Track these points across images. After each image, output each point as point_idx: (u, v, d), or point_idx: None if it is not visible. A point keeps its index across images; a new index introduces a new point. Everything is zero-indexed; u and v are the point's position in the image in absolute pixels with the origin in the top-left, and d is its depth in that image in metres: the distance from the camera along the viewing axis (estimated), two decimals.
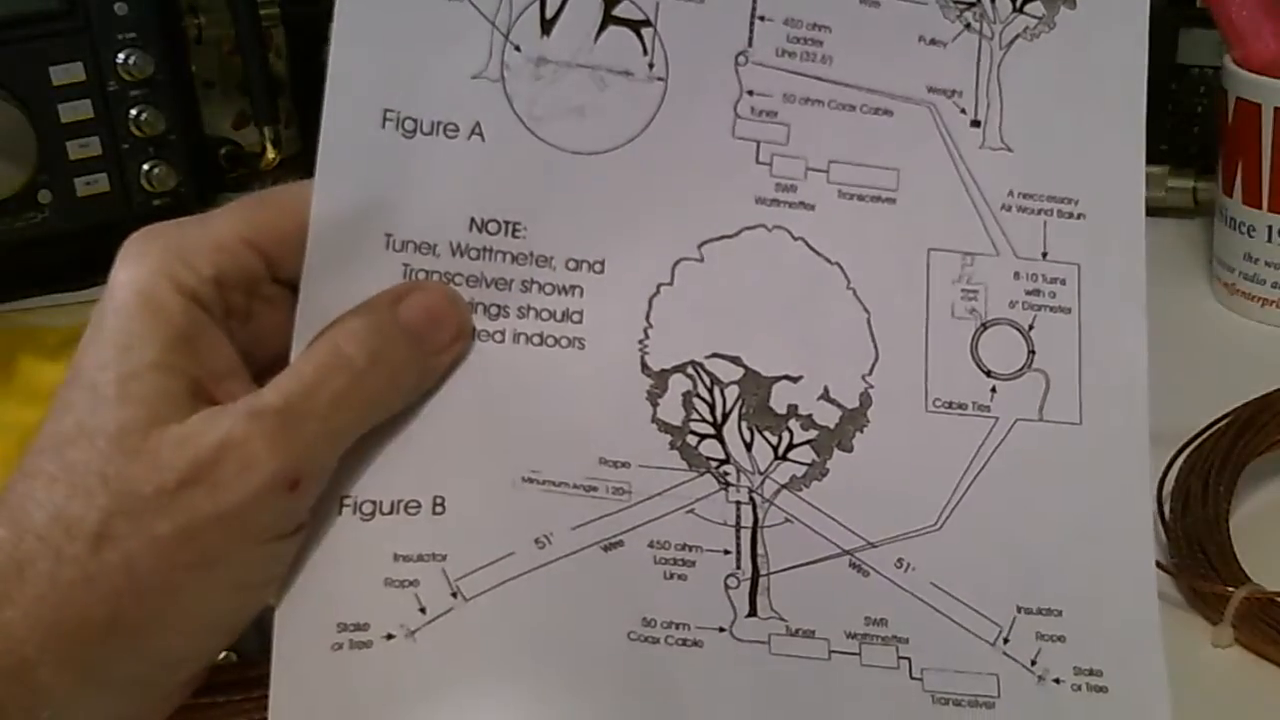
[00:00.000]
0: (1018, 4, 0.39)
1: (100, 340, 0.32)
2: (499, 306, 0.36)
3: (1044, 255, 0.38)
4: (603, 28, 0.37)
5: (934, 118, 0.38)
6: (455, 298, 0.35)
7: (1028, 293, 0.38)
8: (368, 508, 0.34)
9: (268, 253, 0.35)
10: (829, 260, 0.38)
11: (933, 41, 0.39)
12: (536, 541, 0.35)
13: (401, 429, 0.35)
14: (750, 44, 0.38)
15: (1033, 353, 0.38)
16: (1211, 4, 0.64)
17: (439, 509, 0.35)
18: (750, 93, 0.38)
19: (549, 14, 0.37)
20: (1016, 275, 0.38)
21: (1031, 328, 0.38)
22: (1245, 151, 0.63)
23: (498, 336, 0.36)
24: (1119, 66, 0.39)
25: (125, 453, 0.31)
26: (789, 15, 0.38)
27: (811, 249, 0.38)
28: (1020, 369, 0.38)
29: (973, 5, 0.39)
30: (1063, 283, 0.38)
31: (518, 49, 0.36)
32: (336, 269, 0.35)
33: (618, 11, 0.37)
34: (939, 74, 0.38)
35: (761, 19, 0.38)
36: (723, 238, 0.37)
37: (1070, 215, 0.38)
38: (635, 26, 0.37)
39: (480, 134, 0.36)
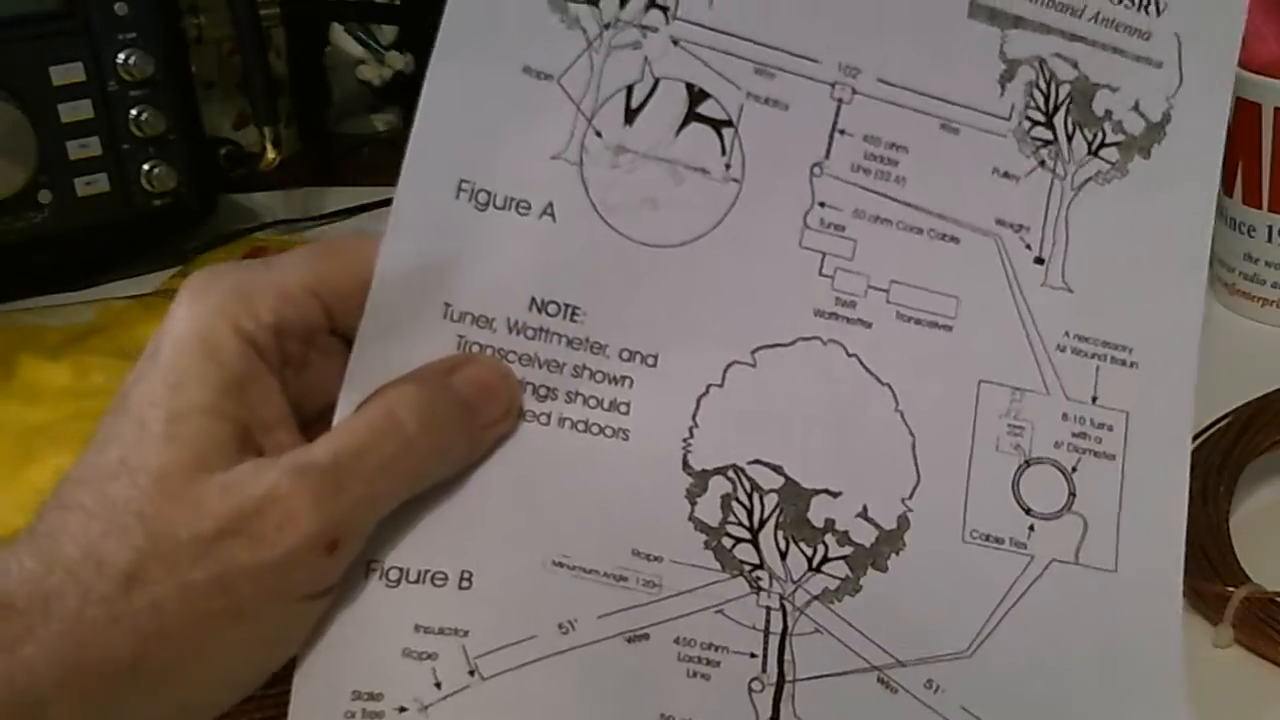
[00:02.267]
0: (1093, 148, 0.39)
1: (153, 375, 0.32)
2: (548, 389, 0.35)
3: (1094, 399, 0.38)
4: (685, 123, 0.37)
5: (999, 250, 0.38)
6: (508, 374, 0.35)
7: (1074, 435, 0.38)
8: (394, 574, 0.34)
9: (329, 304, 0.34)
10: (880, 380, 0.37)
11: (1006, 175, 0.38)
12: (560, 627, 0.35)
13: (437, 499, 0.34)
14: (827, 156, 0.38)
15: (1073, 495, 0.38)
16: None
17: (466, 583, 0.34)
18: (822, 204, 0.37)
19: (635, 103, 0.37)
20: (1065, 416, 0.38)
21: (1075, 470, 0.38)
22: (1245, 151, 0.63)
23: (543, 419, 0.35)
24: (1186, 222, 0.39)
25: (166, 494, 0.30)
26: (869, 132, 0.38)
27: (864, 367, 0.37)
28: (1060, 510, 0.38)
29: (1049, 144, 0.39)
30: (1110, 429, 0.38)
31: (599, 134, 0.36)
32: (391, 331, 0.34)
33: (702, 109, 0.37)
34: (1008, 207, 0.38)
35: (842, 133, 0.38)
36: (777, 345, 0.37)
37: (1124, 363, 0.38)
38: (717, 126, 0.37)
39: (552, 215, 0.36)
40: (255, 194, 0.82)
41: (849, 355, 0.37)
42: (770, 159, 0.37)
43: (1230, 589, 0.45)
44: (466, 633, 0.34)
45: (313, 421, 0.34)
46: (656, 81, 0.37)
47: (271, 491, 0.30)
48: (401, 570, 0.34)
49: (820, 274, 0.37)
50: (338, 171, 0.88)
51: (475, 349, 0.35)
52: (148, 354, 0.32)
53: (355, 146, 0.93)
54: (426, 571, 0.34)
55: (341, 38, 0.90)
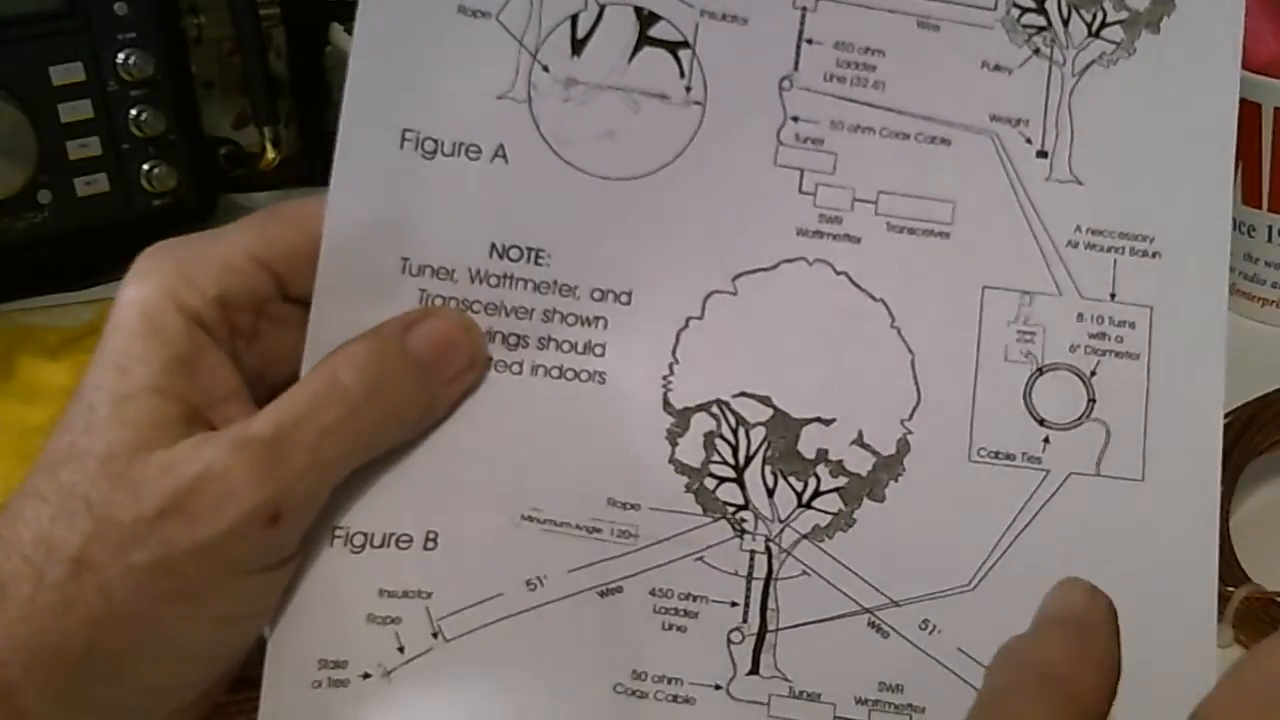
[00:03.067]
0: (1094, 29, 0.36)
1: (102, 360, 0.32)
2: (518, 336, 0.35)
3: (1112, 296, 0.35)
4: (637, 48, 0.35)
5: (996, 147, 0.36)
6: (470, 325, 0.34)
7: (1091, 336, 0.35)
8: (359, 540, 0.33)
9: (278, 270, 0.34)
10: (873, 297, 0.36)
11: (997, 67, 0.36)
12: (528, 583, 0.34)
13: (402, 459, 0.34)
14: (796, 68, 0.36)
15: (1093, 401, 0.35)
16: None
17: (430, 544, 0.33)
18: (795, 119, 0.36)
19: (581, 33, 0.35)
20: (1080, 317, 0.35)
21: (1094, 374, 0.35)
22: (1245, 151, 0.63)
23: (515, 368, 0.34)
24: (1207, 96, 0.36)
25: (109, 477, 0.30)
26: (839, 39, 0.36)
27: (855, 284, 0.36)
28: (1078, 419, 0.35)
29: (1043, 30, 0.36)
30: (1132, 326, 0.35)
31: (546, 69, 0.35)
32: (349, 292, 0.34)
33: (653, 32, 0.36)
34: (1003, 101, 0.36)
35: (809, 42, 0.36)
36: (759, 270, 0.36)
37: (1144, 254, 0.35)
38: (672, 48, 0.36)
39: (504, 156, 0.35)
40: (255, 194, 0.82)
41: (837, 273, 0.36)
42: (733, 77, 0.36)
43: (1230, 589, 0.45)
44: (430, 594, 0.33)
45: (278, 392, 0.33)
46: (602, 8, 0.35)
47: (209, 468, 0.30)
48: (366, 535, 0.33)
49: (800, 191, 0.36)
50: None
51: (439, 302, 0.34)
52: (100, 340, 0.32)
53: None
54: (391, 535, 0.33)
55: (341, 38, 0.90)
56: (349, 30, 0.89)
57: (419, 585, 0.33)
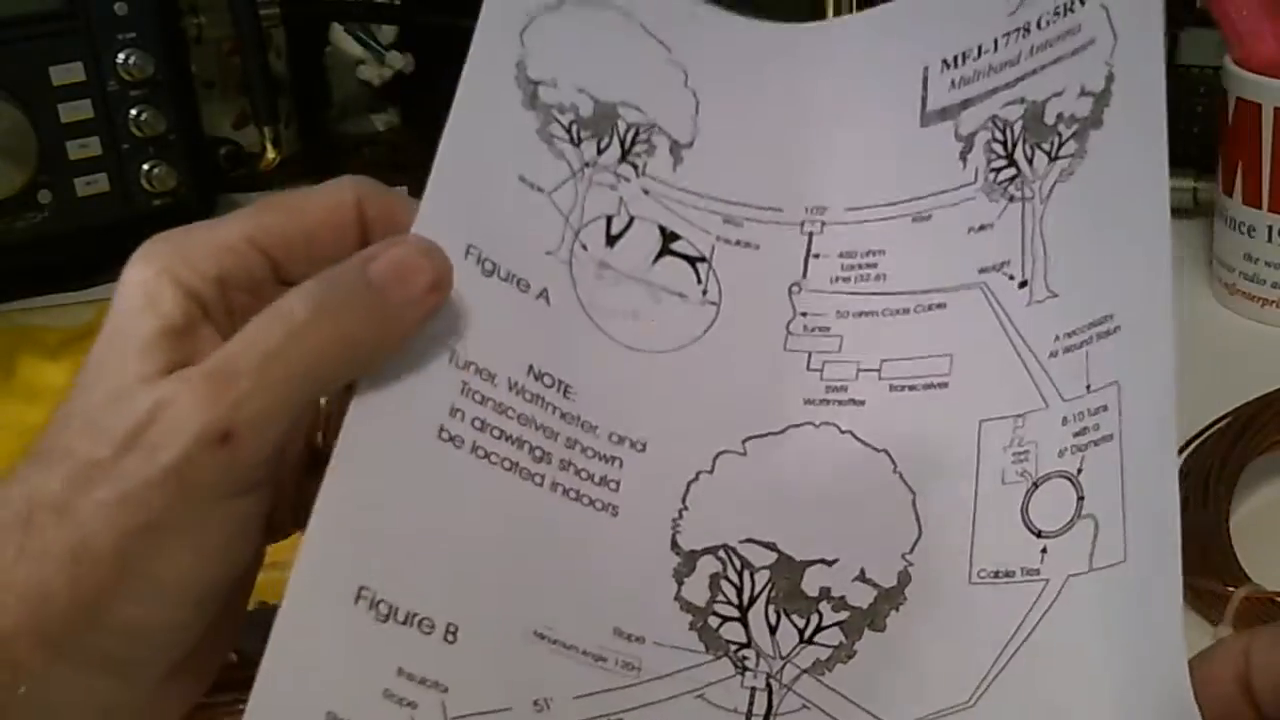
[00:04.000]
0: (1053, 154, 0.38)
1: (102, 337, 0.33)
2: (544, 451, 0.35)
3: (1088, 388, 0.35)
4: (660, 256, 0.38)
5: (986, 296, 0.37)
6: (433, 249, 0.34)
7: (1075, 435, 0.35)
8: (384, 609, 0.33)
9: (274, 254, 0.35)
10: (875, 449, 0.37)
11: (982, 228, 0.38)
12: (536, 704, 0.34)
13: (433, 537, 0.34)
14: (804, 276, 0.38)
15: (1081, 499, 0.34)
16: (1211, 4, 0.64)
17: (450, 638, 0.33)
18: (803, 314, 0.38)
19: (614, 230, 0.38)
20: (1064, 420, 0.35)
21: (1080, 471, 0.35)
22: (1245, 151, 0.63)
23: (537, 479, 0.35)
24: (1143, 167, 0.36)
25: (83, 427, 0.32)
26: (844, 250, 0.38)
27: (859, 440, 0.37)
28: (1070, 520, 0.34)
29: (1015, 178, 0.38)
30: (1105, 409, 0.35)
31: (585, 247, 0.37)
32: (395, 375, 0.34)
33: (675, 247, 0.38)
34: (989, 253, 0.38)
35: (816, 256, 0.38)
36: (768, 434, 0.37)
37: (1108, 333, 0.35)
38: (691, 260, 0.38)
39: (546, 299, 0.37)
40: (255, 194, 0.82)
41: (842, 433, 0.37)
42: (746, 288, 0.38)
43: (1230, 589, 0.45)
44: (447, 689, 0.33)
45: None
46: (631, 219, 0.38)
47: (159, 399, 0.31)
48: (391, 607, 0.33)
49: (808, 369, 0.38)
50: (338, 171, 0.87)
51: (478, 399, 0.35)
52: (104, 320, 0.34)
53: (355, 146, 0.93)
54: (415, 615, 0.33)
55: (341, 38, 0.90)
56: (349, 30, 0.89)
57: (437, 677, 0.33)
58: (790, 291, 0.38)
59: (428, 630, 0.33)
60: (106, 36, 0.70)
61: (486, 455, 0.35)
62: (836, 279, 0.38)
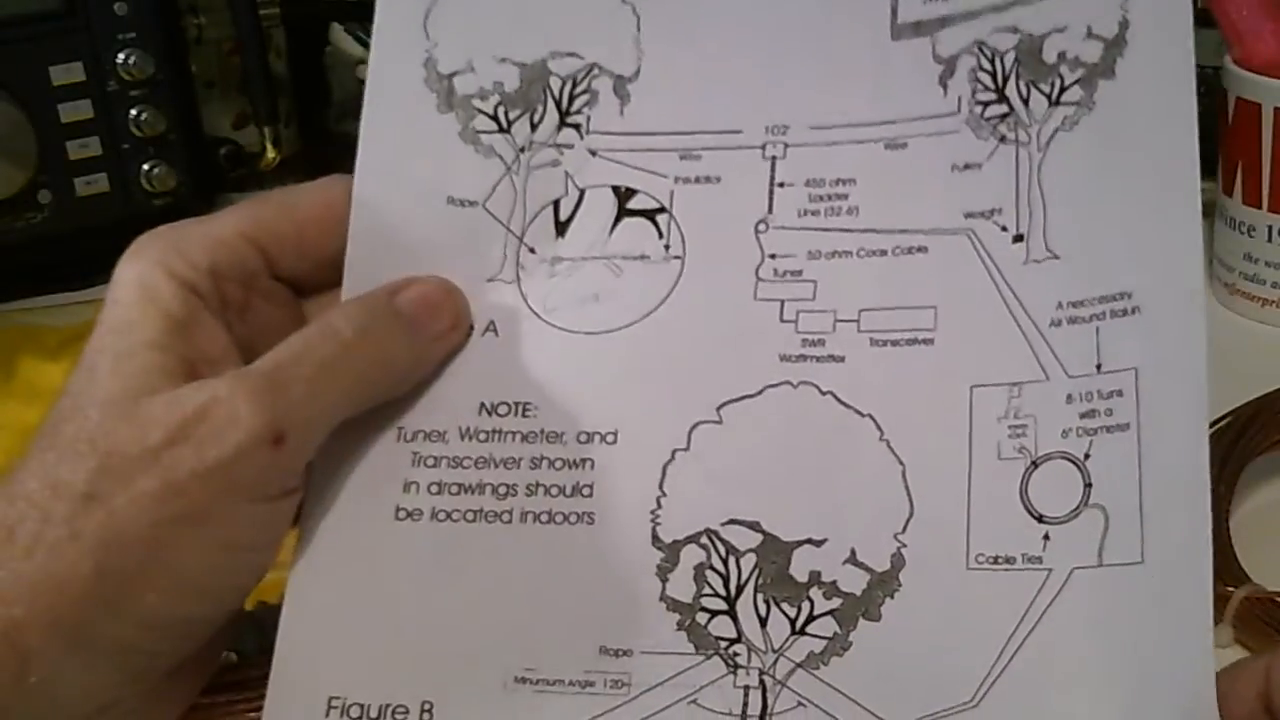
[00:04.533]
0: (1054, 98, 0.35)
1: (100, 331, 0.33)
2: (507, 486, 0.35)
3: (1099, 368, 0.33)
4: (617, 221, 0.37)
5: (973, 244, 0.35)
6: (452, 289, 0.36)
7: (1082, 416, 0.33)
8: (355, 711, 0.33)
9: (265, 248, 0.35)
10: (860, 413, 0.34)
11: (967, 166, 0.36)
12: None
13: (396, 626, 0.34)
14: (770, 210, 0.36)
15: (1089, 486, 0.32)
16: (1211, 4, 0.64)
17: (427, 715, 0.33)
18: (772, 256, 0.36)
19: (563, 216, 0.37)
20: (1069, 398, 0.33)
21: (1087, 456, 0.33)
22: (1245, 151, 0.63)
23: (505, 517, 0.35)
24: (1168, 131, 0.34)
25: (114, 418, 0.32)
26: (810, 176, 0.36)
27: (841, 402, 0.35)
28: (1076, 509, 0.33)
29: (1006, 116, 0.36)
30: (1120, 394, 0.33)
31: (532, 250, 0.37)
32: (346, 467, 0.35)
33: (632, 204, 0.37)
34: (976, 197, 0.35)
35: (781, 185, 0.36)
36: (744, 398, 0.35)
37: (1124, 312, 0.33)
38: (650, 214, 0.37)
39: (494, 331, 0.36)
40: (255, 194, 0.82)
41: (823, 393, 0.35)
42: (710, 229, 0.37)
43: (1230, 589, 0.45)
44: None
45: None
46: (582, 193, 0.37)
47: (213, 396, 0.31)
48: (363, 708, 0.33)
49: (781, 320, 0.36)
50: (337, 171, 0.88)
51: (430, 463, 0.35)
52: (98, 319, 0.34)
53: (355, 146, 0.92)
54: (387, 706, 0.33)
55: (341, 38, 0.90)
56: (349, 30, 0.89)
57: None
58: (757, 230, 0.36)
59: (402, 715, 0.33)
60: (106, 36, 0.70)
61: (447, 516, 0.35)
62: (805, 212, 0.36)
